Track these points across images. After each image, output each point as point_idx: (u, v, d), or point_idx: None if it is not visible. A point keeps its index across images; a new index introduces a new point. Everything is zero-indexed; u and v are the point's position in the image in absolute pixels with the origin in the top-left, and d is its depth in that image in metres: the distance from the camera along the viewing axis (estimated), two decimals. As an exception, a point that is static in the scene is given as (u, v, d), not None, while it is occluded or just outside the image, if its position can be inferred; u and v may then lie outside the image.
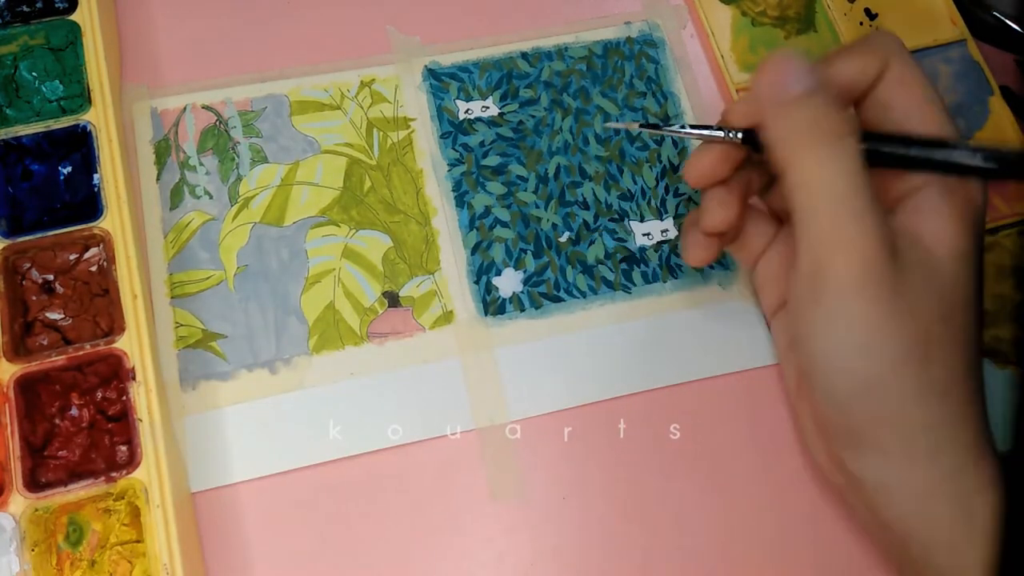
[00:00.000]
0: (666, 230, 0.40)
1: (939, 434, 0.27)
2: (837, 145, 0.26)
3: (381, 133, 0.41)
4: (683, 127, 0.32)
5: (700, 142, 0.32)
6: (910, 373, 0.26)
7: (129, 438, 0.33)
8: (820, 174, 0.26)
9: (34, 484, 0.32)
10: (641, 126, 0.35)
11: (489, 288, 0.38)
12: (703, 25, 0.44)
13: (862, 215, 0.26)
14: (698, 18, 0.44)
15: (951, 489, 0.27)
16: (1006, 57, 0.45)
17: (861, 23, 0.45)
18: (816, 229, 0.27)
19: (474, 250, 0.39)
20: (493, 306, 0.38)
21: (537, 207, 0.40)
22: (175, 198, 0.39)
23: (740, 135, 0.31)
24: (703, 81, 0.43)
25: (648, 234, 0.40)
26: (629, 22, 0.44)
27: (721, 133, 0.31)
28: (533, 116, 0.42)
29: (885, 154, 0.28)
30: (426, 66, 0.42)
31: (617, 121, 0.41)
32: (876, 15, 0.45)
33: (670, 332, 0.38)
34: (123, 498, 0.32)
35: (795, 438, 0.37)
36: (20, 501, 0.31)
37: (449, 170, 0.40)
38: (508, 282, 0.39)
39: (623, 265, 0.39)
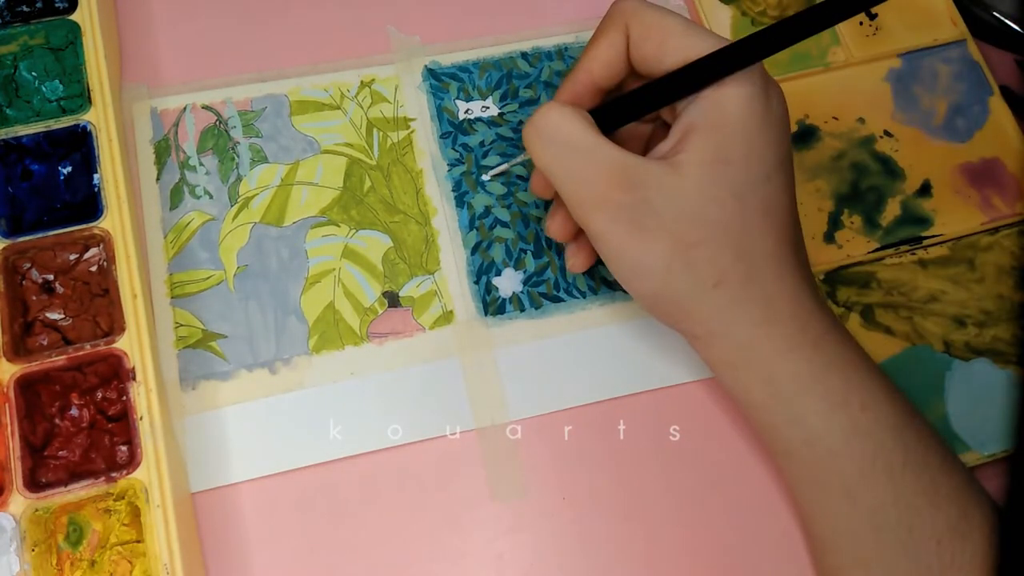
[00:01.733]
0: (666, 230, 0.40)
1: (725, 317, 0.31)
2: (543, 133, 0.32)
3: (381, 133, 0.41)
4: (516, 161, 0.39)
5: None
6: (677, 276, 0.31)
7: (129, 438, 0.33)
8: (542, 159, 0.32)
9: (34, 484, 0.32)
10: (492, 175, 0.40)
11: (489, 288, 0.38)
12: (704, 25, 0.44)
13: (585, 176, 0.31)
14: (698, 18, 0.44)
15: (748, 360, 0.31)
16: (1006, 57, 0.45)
17: (861, 23, 0.45)
18: (567, 201, 0.32)
19: (474, 250, 0.39)
20: (493, 306, 0.38)
21: (537, 207, 0.40)
22: (175, 198, 0.39)
23: None
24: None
25: (648, 234, 0.40)
26: (629, 22, 0.44)
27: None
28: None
29: (623, 110, 0.33)
30: (426, 66, 0.42)
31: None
32: (876, 15, 0.45)
33: (670, 332, 0.38)
34: (123, 498, 0.32)
35: (795, 438, 0.37)
36: (20, 501, 0.31)
37: (449, 170, 0.40)
38: (508, 282, 0.39)
39: (623, 265, 0.39)
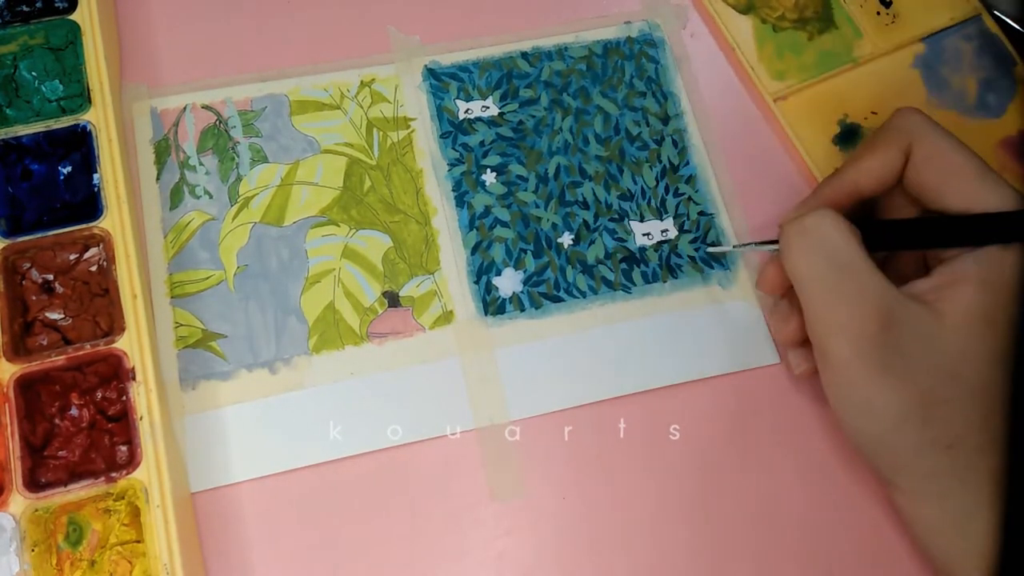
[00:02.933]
0: (666, 230, 0.40)
1: (946, 481, 0.29)
2: (815, 240, 0.30)
3: (381, 133, 0.41)
4: (749, 244, 0.37)
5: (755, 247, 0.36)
6: (910, 430, 0.29)
7: (129, 438, 0.33)
8: (803, 267, 0.30)
9: (34, 484, 0.32)
10: (735, 247, 0.38)
11: (489, 288, 0.38)
12: (727, 39, 0.43)
13: (846, 298, 0.29)
14: (719, 31, 0.44)
15: (962, 527, 0.29)
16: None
17: (878, 13, 0.45)
18: (810, 314, 0.30)
19: (474, 250, 0.39)
20: (493, 306, 0.38)
21: (537, 207, 0.40)
22: (175, 198, 0.39)
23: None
24: (736, 96, 0.43)
25: (648, 234, 0.40)
26: (629, 22, 0.44)
27: (775, 246, 0.34)
28: (533, 116, 0.42)
29: (898, 238, 0.31)
30: (426, 66, 0.42)
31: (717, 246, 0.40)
32: (891, 3, 0.45)
33: (670, 332, 0.38)
34: (123, 498, 0.32)
35: (795, 438, 0.37)
36: (20, 501, 0.31)
37: (449, 170, 0.40)
38: (508, 282, 0.39)
39: (623, 265, 0.39)
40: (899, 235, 0.32)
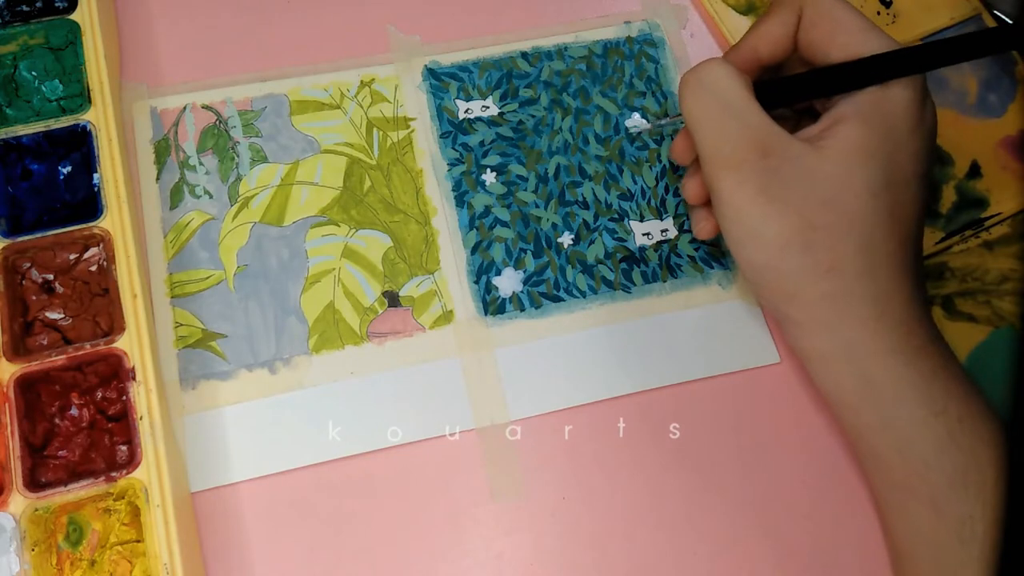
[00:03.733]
0: (666, 230, 0.40)
1: (831, 307, 0.31)
2: (703, 81, 0.32)
3: (381, 133, 0.41)
4: (665, 118, 0.38)
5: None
6: (793, 254, 0.30)
7: (129, 438, 0.33)
8: (692, 106, 0.32)
9: (34, 484, 0.32)
10: (655, 125, 0.39)
11: (489, 288, 0.38)
12: (727, 40, 0.43)
13: (729, 131, 0.31)
14: (719, 31, 0.44)
15: (848, 355, 0.31)
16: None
17: (878, 12, 0.45)
18: (700, 148, 0.32)
19: (474, 250, 0.39)
20: (493, 306, 0.38)
21: (537, 207, 0.40)
22: (175, 198, 0.39)
23: None
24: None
25: (648, 234, 0.40)
26: (629, 22, 0.44)
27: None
28: (533, 116, 0.42)
29: (784, 90, 0.33)
30: (426, 66, 0.42)
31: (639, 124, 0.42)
32: (891, 2, 0.45)
33: (670, 332, 0.38)
34: (123, 498, 0.32)
35: (795, 438, 0.37)
36: (20, 501, 0.31)
37: (449, 170, 0.40)
38: (508, 282, 0.39)
39: (623, 265, 0.39)
40: (789, 89, 0.33)
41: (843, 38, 0.32)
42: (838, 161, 0.30)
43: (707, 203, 0.35)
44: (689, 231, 0.40)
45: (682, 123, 0.36)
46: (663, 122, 0.38)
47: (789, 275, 0.31)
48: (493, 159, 0.41)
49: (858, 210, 0.30)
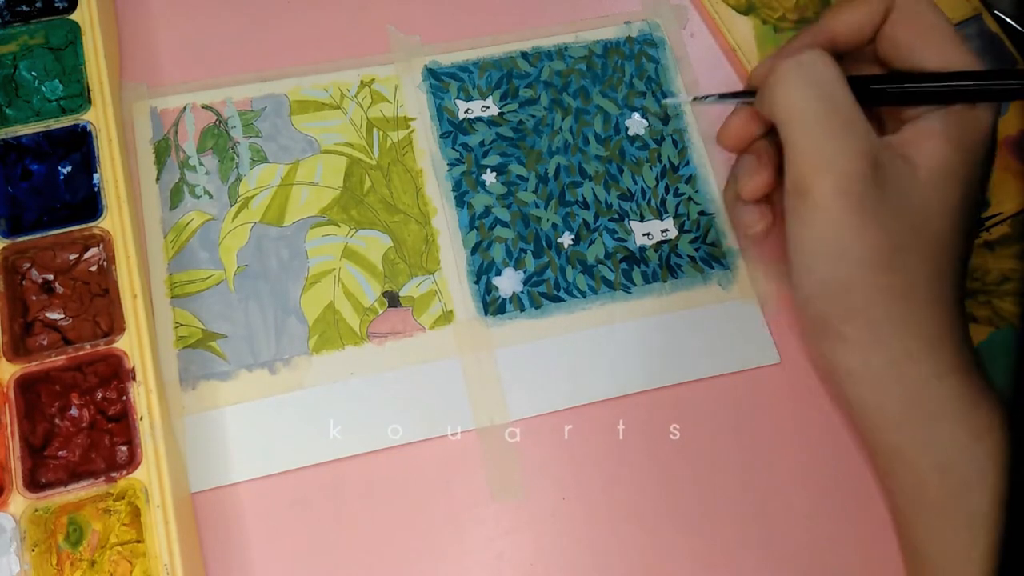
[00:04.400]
0: (666, 230, 0.40)
1: (893, 328, 0.30)
2: (811, 75, 0.30)
3: (381, 133, 0.41)
4: (718, 96, 0.35)
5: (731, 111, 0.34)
6: (873, 275, 0.29)
7: (129, 438, 0.33)
8: (797, 100, 0.30)
9: (34, 484, 0.32)
10: (695, 99, 0.36)
11: (489, 288, 0.38)
12: (727, 40, 0.43)
13: (837, 134, 0.29)
14: (719, 32, 0.44)
15: (899, 373, 0.30)
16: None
17: None
18: (797, 150, 0.30)
19: (474, 250, 0.39)
20: (493, 306, 0.38)
21: (537, 207, 0.40)
22: (175, 198, 0.39)
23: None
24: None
25: (648, 234, 0.40)
26: (629, 21, 0.44)
27: (751, 98, 0.33)
28: (533, 116, 0.42)
29: (886, 91, 0.31)
30: (426, 66, 0.42)
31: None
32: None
33: (670, 332, 0.38)
34: (123, 498, 0.32)
35: (795, 439, 0.37)
36: (20, 501, 0.31)
37: (449, 170, 0.40)
38: (508, 282, 0.39)
39: (623, 265, 0.39)
40: (878, 88, 0.31)
41: (934, 43, 0.30)
42: (929, 182, 0.29)
43: (762, 200, 0.33)
44: (689, 231, 0.40)
45: (737, 101, 0.34)
46: (710, 99, 0.35)
47: (859, 293, 0.30)
48: (493, 159, 0.41)
49: (941, 235, 0.30)
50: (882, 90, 0.31)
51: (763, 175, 0.33)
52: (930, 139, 0.30)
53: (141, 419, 0.32)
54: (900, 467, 0.31)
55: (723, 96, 0.35)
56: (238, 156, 0.40)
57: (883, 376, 0.30)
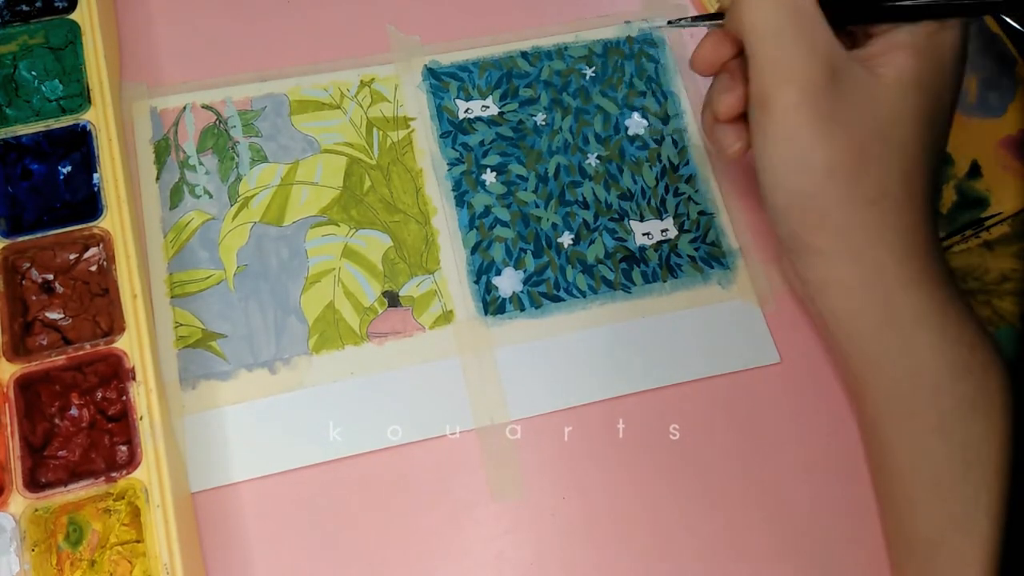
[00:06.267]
0: (666, 230, 0.40)
1: (864, 236, 0.30)
2: None
3: (381, 132, 0.41)
4: (692, 19, 0.35)
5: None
6: (839, 183, 0.30)
7: (129, 438, 0.33)
8: (760, 13, 0.30)
9: (34, 484, 0.32)
10: (669, 23, 0.36)
11: (489, 288, 0.38)
12: None
13: (797, 44, 0.29)
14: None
15: (873, 283, 0.31)
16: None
17: None
18: (760, 60, 0.30)
19: (474, 250, 0.39)
20: (493, 306, 0.38)
21: (537, 206, 0.40)
22: (175, 198, 0.39)
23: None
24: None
25: (648, 234, 0.40)
26: (629, 21, 0.44)
27: (722, 20, 0.33)
28: (533, 116, 0.42)
29: (857, 9, 0.31)
30: (426, 65, 0.42)
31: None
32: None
33: (670, 332, 0.38)
34: (123, 498, 0.32)
35: (795, 438, 0.37)
36: (20, 501, 0.31)
37: (449, 169, 0.40)
38: (508, 282, 0.39)
39: (623, 265, 0.39)
40: (858, 8, 0.32)
41: None
42: (894, 91, 0.30)
43: (737, 119, 0.33)
44: (689, 230, 0.40)
45: (711, 24, 0.34)
46: (682, 21, 0.35)
47: (828, 203, 0.30)
48: (493, 159, 0.41)
49: (907, 142, 0.30)
50: (852, 7, 0.31)
51: (736, 91, 0.33)
52: (897, 50, 0.30)
53: (141, 419, 0.32)
54: (873, 376, 0.32)
55: (696, 19, 0.35)
56: (238, 156, 0.40)
57: (856, 286, 0.31)
